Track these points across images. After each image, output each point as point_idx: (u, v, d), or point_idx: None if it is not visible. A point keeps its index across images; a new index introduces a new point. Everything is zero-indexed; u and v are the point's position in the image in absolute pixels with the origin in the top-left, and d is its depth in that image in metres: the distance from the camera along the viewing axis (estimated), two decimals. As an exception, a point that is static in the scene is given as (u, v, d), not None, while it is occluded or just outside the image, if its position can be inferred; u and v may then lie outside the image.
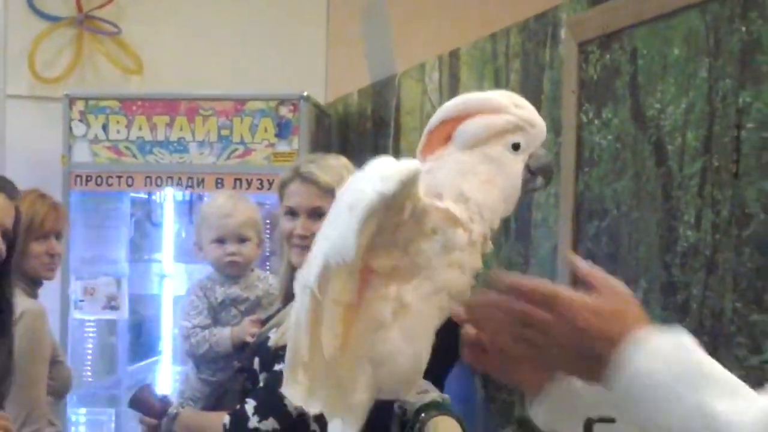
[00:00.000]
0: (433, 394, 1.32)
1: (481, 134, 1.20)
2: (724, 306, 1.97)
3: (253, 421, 2.28)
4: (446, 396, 1.43)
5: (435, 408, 1.29)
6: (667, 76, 2.21)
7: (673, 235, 2.14)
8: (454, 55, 3.39)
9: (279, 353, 2.32)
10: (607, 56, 2.46)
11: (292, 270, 2.49)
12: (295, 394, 1.20)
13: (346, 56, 4.76)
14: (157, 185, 4.17)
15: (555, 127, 2.65)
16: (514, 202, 1.26)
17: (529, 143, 1.22)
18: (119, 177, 4.16)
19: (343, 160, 2.48)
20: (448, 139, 1.24)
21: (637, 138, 2.31)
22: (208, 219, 2.90)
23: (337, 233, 1.12)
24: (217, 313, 2.87)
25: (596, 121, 2.49)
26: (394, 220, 1.16)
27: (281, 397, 2.26)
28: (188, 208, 4.41)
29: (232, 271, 2.87)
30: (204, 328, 2.83)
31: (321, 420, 2.22)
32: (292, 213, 2.43)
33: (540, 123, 1.24)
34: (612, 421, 1.07)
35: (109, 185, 4.17)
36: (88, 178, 4.16)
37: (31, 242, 3.02)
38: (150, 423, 2.59)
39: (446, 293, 1.18)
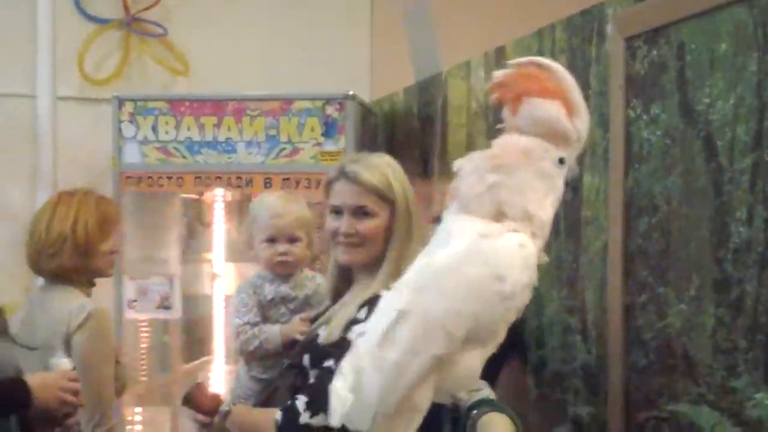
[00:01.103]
0: (485, 392, 1.34)
1: (543, 126, 1.23)
2: (777, 302, 1.97)
3: (305, 417, 2.30)
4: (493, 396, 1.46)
5: (487, 405, 1.30)
6: (715, 70, 2.20)
7: (725, 231, 2.13)
8: (499, 52, 3.39)
9: (328, 350, 2.34)
10: (654, 51, 2.45)
11: (339, 268, 2.53)
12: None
13: (391, 54, 4.77)
14: (206, 185, 4.21)
15: (603, 123, 2.65)
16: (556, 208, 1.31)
17: (570, 158, 1.27)
18: (169, 177, 4.21)
19: (386, 158, 2.51)
20: (517, 99, 1.26)
21: (686, 133, 2.30)
22: (258, 218, 2.93)
23: (483, 312, 1.17)
24: (266, 311, 2.90)
25: (644, 117, 2.48)
26: None
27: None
28: (237, 208, 4.46)
29: (283, 271, 2.90)
30: (254, 325, 2.86)
31: None
32: (337, 212, 2.46)
33: (585, 138, 1.28)
34: (665, 419, 1.09)
35: (160, 186, 4.21)
36: (139, 179, 4.21)
37: (102, 242, 3.07)
38: (203, 420, 2.63)
39: (521, 309, 1.23)
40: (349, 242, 2.41)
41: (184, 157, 4.20)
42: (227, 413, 2.55)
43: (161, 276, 4.25)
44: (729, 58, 2.15)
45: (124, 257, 4.17)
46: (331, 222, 2.48)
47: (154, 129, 4.22)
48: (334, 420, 1.26)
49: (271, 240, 2.88)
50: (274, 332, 2.84)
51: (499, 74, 1.29)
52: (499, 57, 3.39)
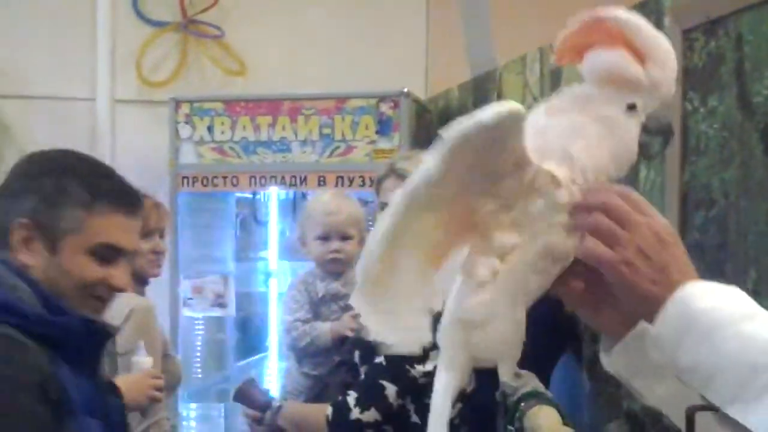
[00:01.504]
0: (533, 384, 1.31)
1: (608, 74, 1.18)
2: (838, 296, 1.92)
3: (355, 413, 2.31)
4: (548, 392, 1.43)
5: (535, 397, 1.28)
6: (774, 61, 2.16)
7: (783, 225, 2.09)
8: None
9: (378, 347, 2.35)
10: (712, 43, 2.41)
11: None
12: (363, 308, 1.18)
13: (446, 51, 4.75)
14: (261, 184, 4.23)
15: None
16: (628, 165, 1.22)
17: (648, 105, 1.18)
18: (224, 177, 4.23)
19: None
20: (581, 50, 1.21)
21: (744, 126, 2.26)
22: (312, 216, 2.94)
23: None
24: (317, 308, 2.91)
25: (702, 109, 2.44)
26: (497, 168, 1.14)
27: (383, 389, 2.29)
28: (292, 207, 4.47)
29: (335, 268, 2.91)
30: (304, 322, 2.88)
31: (422, 411, 2.24)
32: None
33: (669, 88, 1.19)
34: (715, 409, 1.05)
35: (215, 185, 4.24)
36: (195, 179, 4.24)
37: None
38: (254, 416, 2.64)
39: (550, 257, 1.16)
40: None
41: (239, 156, 4.22)
42: (279, 408, 2.56)
43: (216, 274, 4.28)
44: (788, 49, 2.11)
45: (179, 256, 4.20)
46: None
47: (210, 129, 4.25)
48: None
49: (324, 237, 2.89)
50: (324, 329, 2.85)
51: (560, 35, 1.23)
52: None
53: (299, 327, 2.87)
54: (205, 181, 4.24)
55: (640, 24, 1.18)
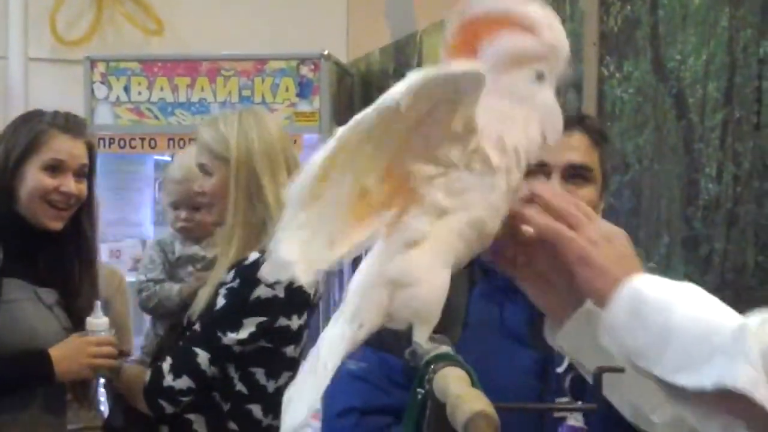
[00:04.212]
0: (445, 347, 1.30)
1: (509, 57, 1.19)
2: (746, 259, 1.96)
3: (168, 379, 2.25)
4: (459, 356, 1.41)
5: (445, 359, 1.27)
6: (687, 26, 2.18)
7: (694, 189, 2.12)
8: (474, 10, 3.35)
9: (204, 314, 2.31)
10: (628, 8, 2.42)
11: None
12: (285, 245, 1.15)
13: (367, 14, 4.72)
14: (179, 147, 4.15)
15: (576, 82, 2.63)
16: (559, 128, 1.24)
17: (553, 70, 1.21)
18: (142, 139, 4.16)
19: (246, 114, 2.50)
20: (471, 41, 1.22)
21: (658, 90, 2.28)
22: (165, 184, 2.88)
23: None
24: (174, 269, 2.84)
25: (617, 75, 2.46)
26: (445, 130, 1.13)
27: (195, 355, 2.24)
28: (211, 169, 4.41)
29: (186, 237, 2.84)
30: (156, 282, 2.80)
31: (247, 379, 2.26)
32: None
33: (565, 48, 1.21)
34: (621, 370, 1.07)
35: (132, 147, 4.17)
36: (111, 141, 4.16)
37: None
38: (107, 377, 2.57)
39: (477, 230, 1.17)
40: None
41: (157, 118, 4.15)
42: (119, 370, 2.48)
43: (134, 238, 4.22)
44: (701, 14, 2.13)
45: (96, 219, 4.13)
46: None
47: (127, 90, 4.17)
48: None
49: (175, 206, 2.82)
50: (173, 291, 2.77)
51: (444, 43, 1.24)
52: (473, 16, 3.35)
53: (150, 288, 2.80)
54: (122, 143, 4.17)
55: (508, 5, 1.19)
